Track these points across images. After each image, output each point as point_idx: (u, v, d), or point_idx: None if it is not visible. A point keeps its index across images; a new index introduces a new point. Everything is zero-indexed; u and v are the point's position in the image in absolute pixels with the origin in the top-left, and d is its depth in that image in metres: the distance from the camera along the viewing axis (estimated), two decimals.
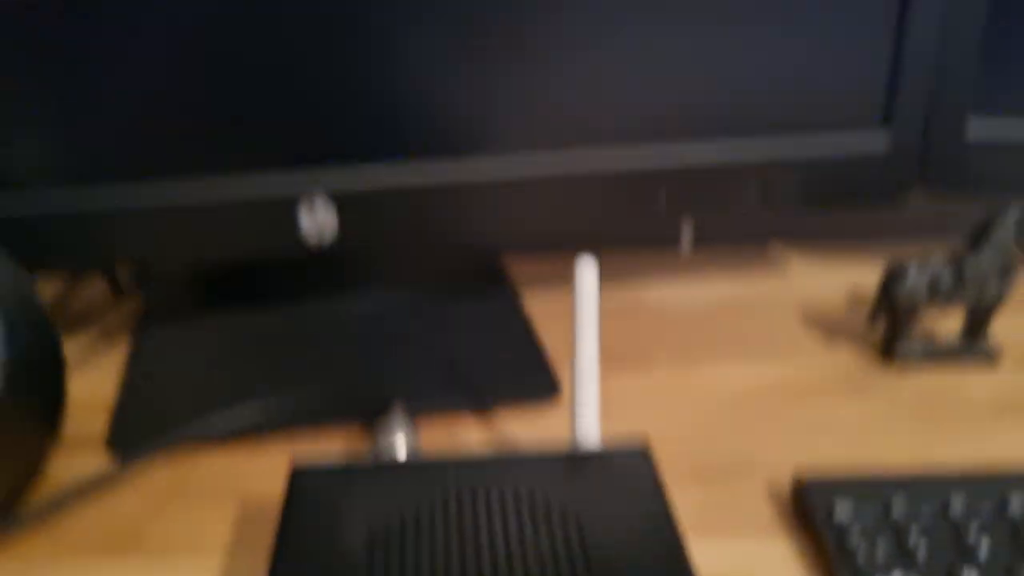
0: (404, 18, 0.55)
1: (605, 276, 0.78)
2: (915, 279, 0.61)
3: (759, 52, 0.59)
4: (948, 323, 0.69)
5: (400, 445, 0.52)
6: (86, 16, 0.52)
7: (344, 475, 0.44)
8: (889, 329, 0.65)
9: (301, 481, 0.44)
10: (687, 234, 0.84)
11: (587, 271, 0.46)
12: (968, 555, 0.46)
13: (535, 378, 0.61)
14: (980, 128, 0.65)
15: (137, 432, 0.58)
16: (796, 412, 0.60)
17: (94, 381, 0.65)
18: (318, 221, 0.59)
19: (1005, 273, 0.61)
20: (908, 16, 0.59)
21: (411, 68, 0.56)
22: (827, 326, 0.70)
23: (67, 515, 0.53)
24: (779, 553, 0.49)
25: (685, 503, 0.52)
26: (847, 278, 0.77)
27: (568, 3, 0.55)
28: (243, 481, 0.55)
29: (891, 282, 0.62)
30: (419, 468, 0.44)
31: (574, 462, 0.44)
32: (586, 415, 0.46)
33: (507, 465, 0.44)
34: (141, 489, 0.55)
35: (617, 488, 0.43)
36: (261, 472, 0.56)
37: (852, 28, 0.59)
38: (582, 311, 0.46)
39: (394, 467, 0.44)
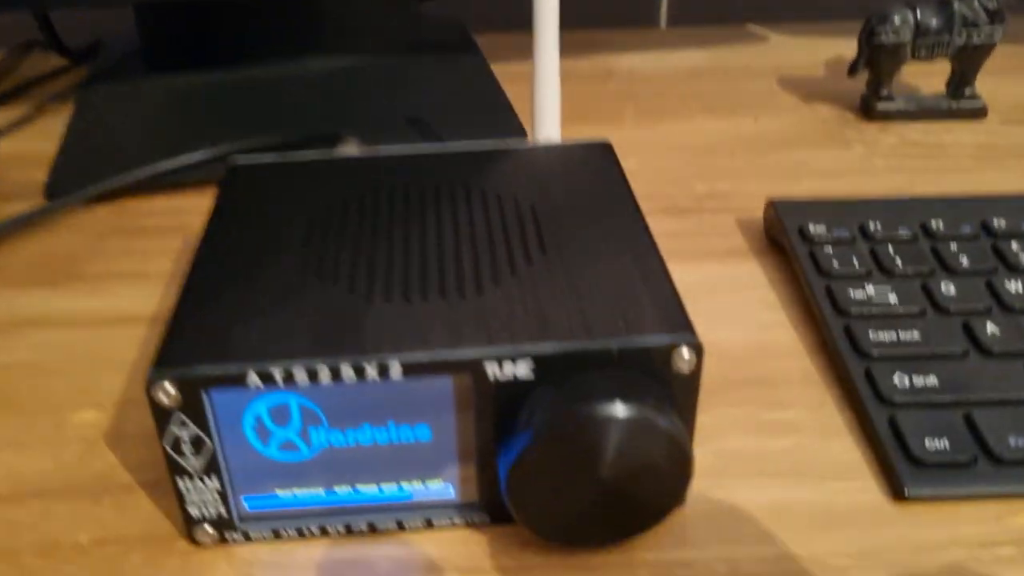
0: None
1: (577, 48, 0.74)
2: (900, 22, 0.58)
3: None
4: (932, 81, 0.65)
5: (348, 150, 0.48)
6: None
7: (284, 168, 0.41)
8: (871, 82, 0.61)
9: (236, 175, 0.40)
10: (663, 8, 0.80)
11: None
12: (947, 267, 0.43)
13: (502, 124, 0.58)
14: None
15: (77, 180, 0.54)
16: (772, 159, 0.57)
17: (37, 139, 0.62)
18: None
19: (995, 17, 0.58)
20: None
21: None
22: (806, 88, 0.66)
23: (3, 251, 0.50)
24: (748, 272, 0.46)
25: (654, 233, 0.49)
26: (827, 50, 0.73)
27: None
28: (187, 218, 0.52)
29: (874, 26, 0.59)
30: (365, 162, 0.41)
31: (530, 154, 0.41)
32: (545, 113, 0.43)
33: (460, 158, 0.41)
34: (82, 228, 0.52)
35: (575, 176, 0.40)
36: (206, 211, 0.53)
37: None
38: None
39: (339, 161, 0.41)
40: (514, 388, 0.30)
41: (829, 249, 0.44)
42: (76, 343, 0.43)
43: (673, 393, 0.30)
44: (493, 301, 0.32)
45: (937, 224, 0.46)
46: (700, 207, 0.51)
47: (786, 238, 0.46)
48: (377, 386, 0.30)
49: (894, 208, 0.47)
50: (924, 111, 0.61)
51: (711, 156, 0.57)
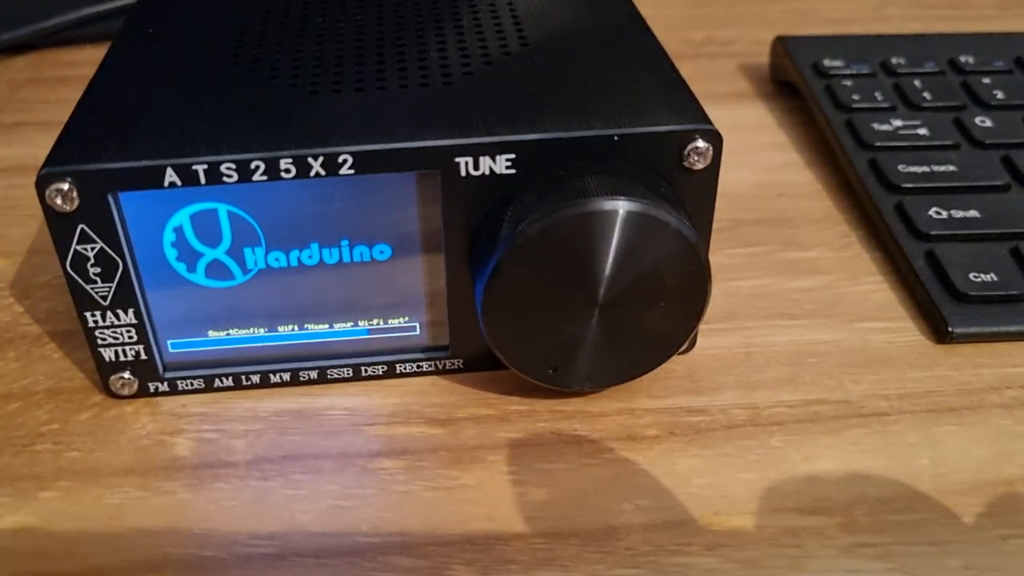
0: None
1: None
2: None
3: None
4: None
5: None
6: None
7: None
8: None
9: None
10: None
11: None
12: (980, 102, 0.38)
13: None
14: None
15: None
16: (774, 6, 0.52)
17: None
18: None
19: None
20: None
21: None
22: None
23: None
24: (754, 114, 0.41)
25: None
26: None
27: None
28: None
29: None
30: None
31: None
32: None
33: None
34: None
35: None
36: None
37: None
38: None
39: None
40: (491, 187, 0.24)
41: (849, 82, 0.39)
42: None
43: (684, 194, 0.25)
44: (464, 91, 0.26)
45: (966, 59, 0.40)
46: (697, 53, 0.45)
47: (798, 75, 0.40)
48: (325, 191, 0.25)
49: (918, 44, 0.42)
50: None
51: (707, 6, 0.51)
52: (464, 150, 0.24)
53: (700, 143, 0.24)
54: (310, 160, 0.24)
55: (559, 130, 0.24)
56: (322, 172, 0.24)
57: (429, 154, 0.24)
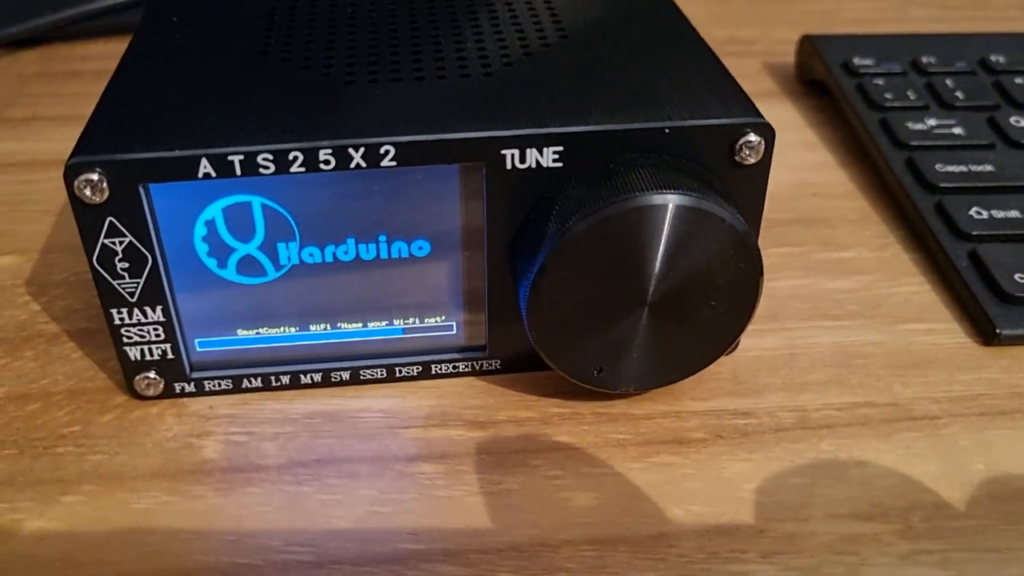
0: None
1: None
2: None
3: None
4: None
5: None
6: None
7: None
8: None
9: None
10: None
11: None
12: (1013, 101, 0.37)
13: None
14: None
15: None
16: (796, 6, 0.51)
17: None
18: None
19: None
20: None
21: None
22: None
23: None
24: (782, 113, 0.40)
25: None
26: None
27: None
28: None
29: None
30: None
31: None
32: None
33: None
34: (5, 72, 0.44)
35: None
36: None
37: None
38: None
39: None
40: (536, 181, 0.23)
41: (880, 81, 0.38)
42: None
43: (734, 189, 0.24)
44: (505, 82, 0.25)
45: (996, 59, 0.40)
46: (721, 52, 0.44)
47: (828, 74, 0.39)
48: (363, 184, 0.24)
49: (948, 43, 0.41)
50: None
51: (728, 4, 0.51)
52: (511, 142, 0.23)
53: (752, 137, 0.24)
54: (351, 151, 0.23)
55: (608, 122, 0.23)
56: (363, 164, 0.23)
57: (475, 146, 0.23)
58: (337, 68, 0.26)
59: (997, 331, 0.28)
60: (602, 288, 0.23)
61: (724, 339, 0.25)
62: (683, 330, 0.24)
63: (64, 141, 0.38)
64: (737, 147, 0.24)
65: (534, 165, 0.23)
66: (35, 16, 0.45)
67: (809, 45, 0.41)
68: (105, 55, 0.45)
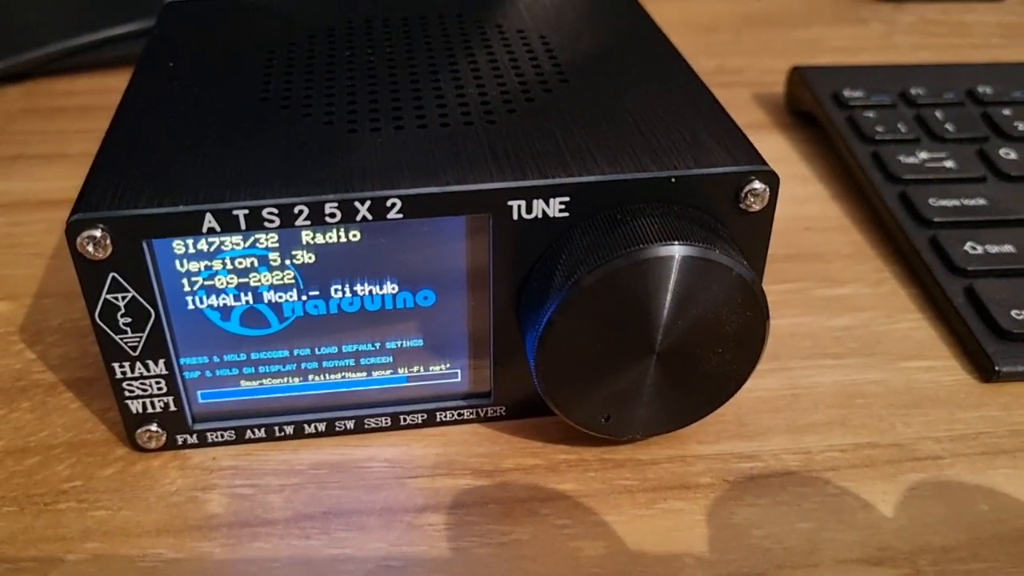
0: None
1: None
2: None
3: None
4: None
5: None
6: None
7: (234, 1, 0.33)
8: None
9: (172, 12, 0.33)
10: None
11: None
12: (1002, 133, 0.38)
13: None
14: None
15: None
16: (782, 36, 0.51)
17: None
18: None
19: None
20: None
21: None
22: None
23: None
24: (772, 145, 0.41)
25: None
26: None
27: None
28: (114, 97, 0.44)
29: None
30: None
31: None
32: None
33: None
34: None
35: (589, 9, 0.33)
36: None
37: None
38: None
39: None
40: (542, 230, 0.23)
41: (871, 114, 0.39)
42: None
43: (739, 235, 0.24)
44: (509, 130, 0.25)
45: (984, 90, 0.40)
46: (710, 82, 0.44)
47: (818, 106, 0.40)
48: (368, 236, 0.23)
49: (935, 74, 0.42)
50: None
51: (715, 34, 0.51)
52: (517, 193, 0.23)
53: (757, 184, 0.24)
54: (356, 204, 0.23)
55: (614, 172, 0.23)
56: (369, 217, 0.23)
57: (481, 197, 0.23)
58: (339, 116, 0.26)
59: (996, 368, 0.28)
60: (610, 337, 0.23)
61: (731, 385, 0.25)
62: (691, 377, 0.24)
63: (52, 180, 0.38)
64: (743, 195, 0.24)
65: (540, 215, 0.23)
66: (18, 52, 0.44)
67: (798, 77, 0.41)
68: (90, 90, 0.45)
